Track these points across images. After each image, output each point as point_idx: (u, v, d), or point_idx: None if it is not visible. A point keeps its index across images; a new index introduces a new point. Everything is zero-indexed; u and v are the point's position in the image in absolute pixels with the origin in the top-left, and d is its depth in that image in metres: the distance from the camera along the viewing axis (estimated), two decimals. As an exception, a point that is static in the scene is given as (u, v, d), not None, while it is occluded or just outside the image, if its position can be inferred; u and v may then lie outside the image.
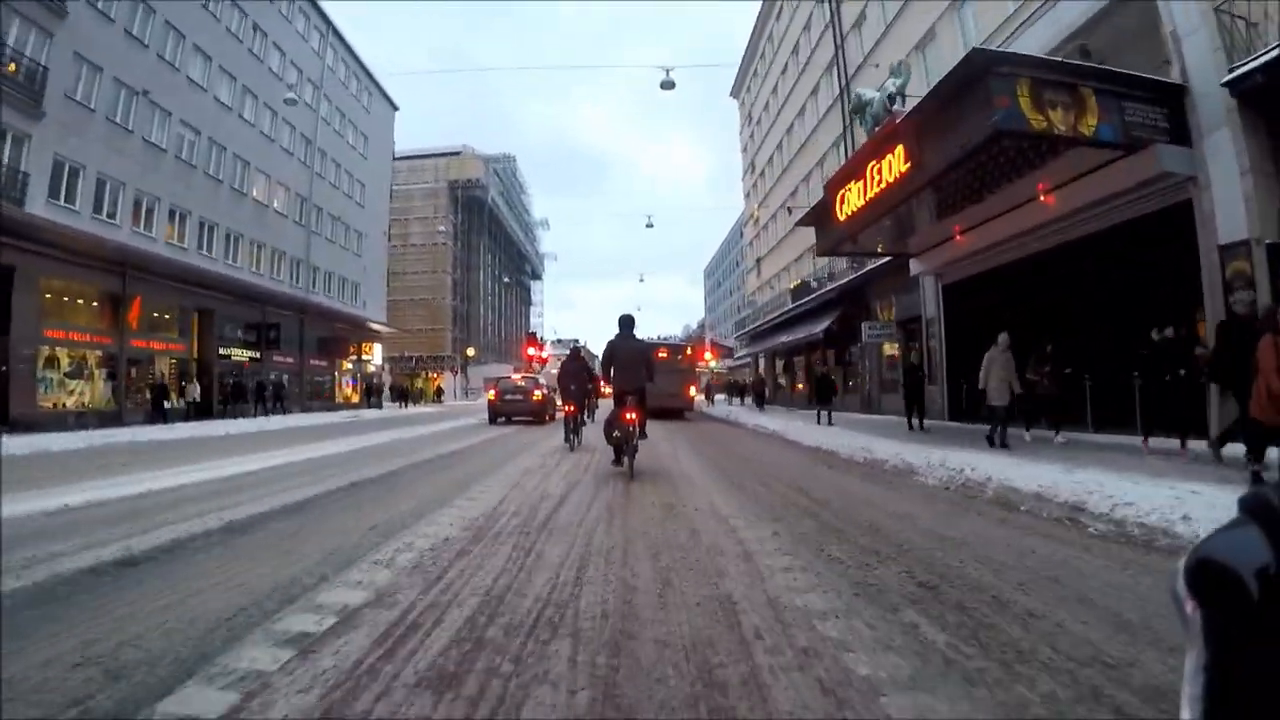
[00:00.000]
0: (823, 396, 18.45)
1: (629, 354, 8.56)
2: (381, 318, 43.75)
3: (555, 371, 26.70)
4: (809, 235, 30.62)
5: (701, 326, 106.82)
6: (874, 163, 12.41)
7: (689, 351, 26.80)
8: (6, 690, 2.24)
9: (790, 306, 29.30)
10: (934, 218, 14.29)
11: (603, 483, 7.92)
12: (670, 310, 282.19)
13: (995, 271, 14.96)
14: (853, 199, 13.35)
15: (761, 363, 39.56)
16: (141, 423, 20.75)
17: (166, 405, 19.83)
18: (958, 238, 14.86)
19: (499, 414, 20.35)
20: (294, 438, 15.48)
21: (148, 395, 23.11)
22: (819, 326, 24.90)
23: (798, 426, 16.30)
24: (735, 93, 46.96)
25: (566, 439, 12.36)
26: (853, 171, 13.61)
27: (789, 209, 23.44)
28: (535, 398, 20.16)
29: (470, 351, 63.50)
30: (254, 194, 31.67)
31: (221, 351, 28.60)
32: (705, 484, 7.83)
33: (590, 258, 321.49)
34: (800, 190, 31.47)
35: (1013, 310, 13.63)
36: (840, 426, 16.16)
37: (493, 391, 20.83)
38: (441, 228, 63.51)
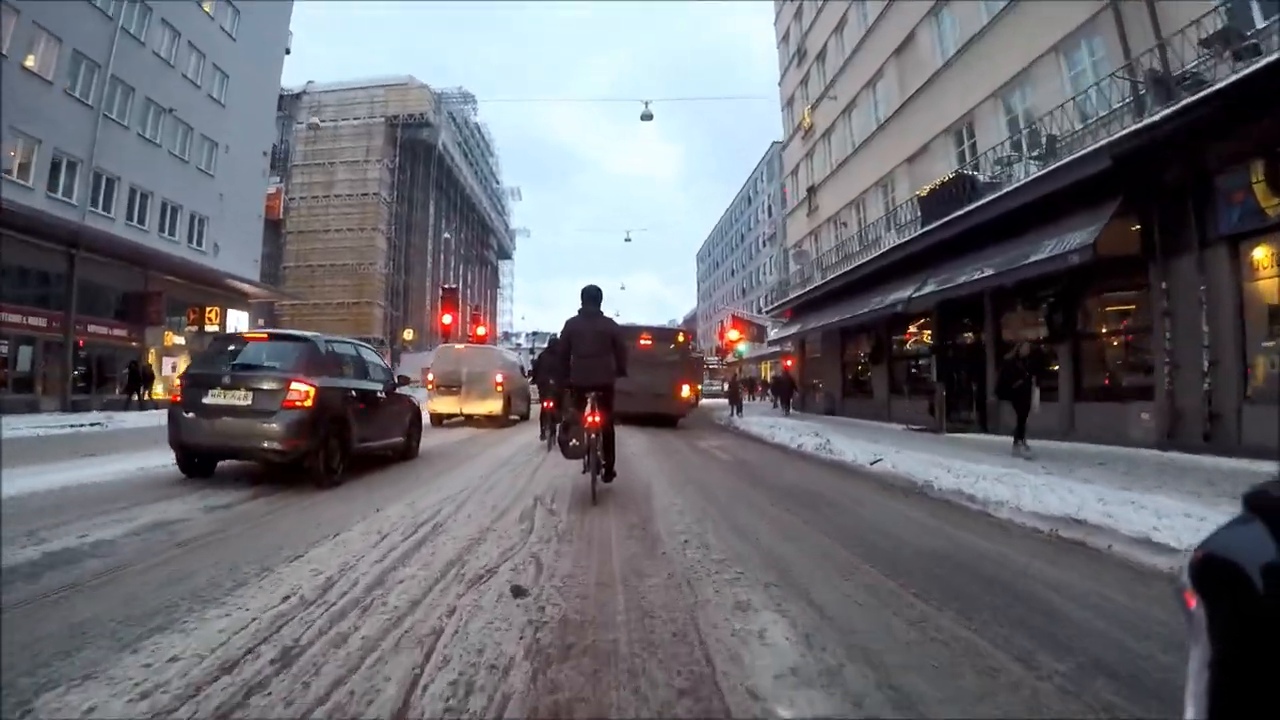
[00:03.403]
0: None
1: (593, 337, 6.20)
2: (249, 273, 29.68)
3: (461, 349, 16.62)
4: (944, 99, 16.88)
5: (691, 317, 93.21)
6: None
7: (680, 338, 19.51)
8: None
9: (922, 232, 15.66)
10: None
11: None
12: (647, 311, 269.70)
13: None
14: None
15: (816, 344, 25.94)
16: None
17: None
18: None
19: (193, 448, 6.45)
20: None
21: None
22: (1038, 250, 11.33)
23: None
24: (767, -26, 33.64)
25: (543, 436, 11.49)
26: None
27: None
28: (295, 400, 6.17)
29: (408, 334, 49.41)
30: (-28, 32, 17.84)
31: None
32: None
33: (564, 257, 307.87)
34: (923, 35, 17.97)
35: None
36: None
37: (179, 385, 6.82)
38: (374, 174, 49.46)
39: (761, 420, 18.15)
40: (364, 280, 48.44)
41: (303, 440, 6.09)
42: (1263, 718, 0.55)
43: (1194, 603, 0.63)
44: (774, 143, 51.91)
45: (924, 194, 15.80)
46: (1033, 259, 11.19)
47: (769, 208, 55.80)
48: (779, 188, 47.32)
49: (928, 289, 14.72)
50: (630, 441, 12.06)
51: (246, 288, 29.18)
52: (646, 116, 21.51)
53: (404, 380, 8.52)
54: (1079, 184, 10.70)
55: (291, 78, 47.09)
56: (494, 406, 15.18)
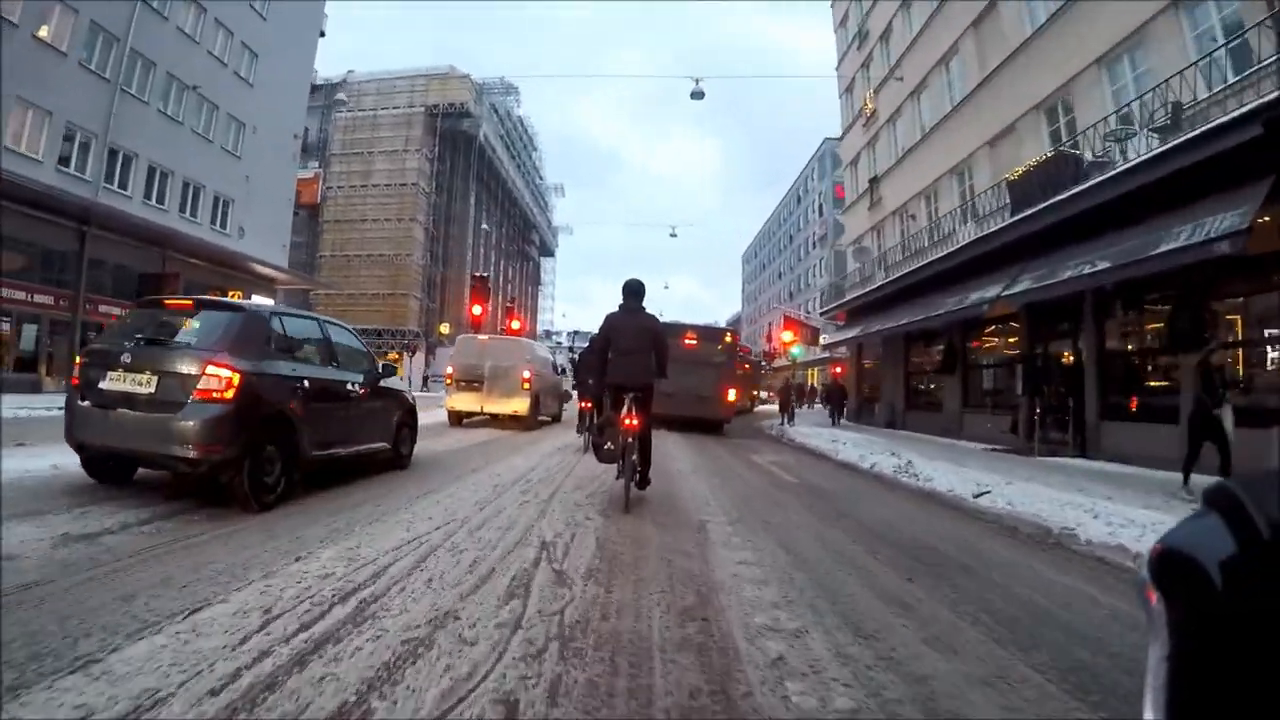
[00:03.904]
0: None
1: (633, 334, 5.78)
2: (277, 259, 28.57)
3: (485, 340, 14.91)
4: (1033, 73, 14.52)
5: (735, 320, 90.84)
6: None
7: (728, 338, 18.41)
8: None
9: (1013, 220, 13.52)
10: None
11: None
12: (686, 313, 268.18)
13: None
14: None
15: (874, 350, 23.77)
16: None
17: None
18: None
19: (88, 448, 4.81)
20: None
21: None
22: (1168, 238, 9.20)
23: None
24: (825, -45, 31.52)
25: (580, 433, 11.05)
26: None
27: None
28: (212, 390, 4.47)
29: (444, 328, 48.23)
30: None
31: None
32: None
33: (603, 256, 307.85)
34: (1007, 3, 15.86)
35: None
36: None
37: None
38: (412, 163, 48.41)
39: (818, 432, 16.18)
40: (400, 271, 47.41)
41: (220, 445, 4.39)
42: (1218, 712, 0.54)
43: (1154, 598, 0.62)
44: (826, 139, 49.66)
45: (1014, 178, 13.68)
46: (1165, 248, 9.07)
47: (820, 206, 53.54)
48: (832, 184, 45.07)
49: (1021, 286, 12.57)
50: (674, 452, 10.29)
51: (273, 273, 28.09)
52: (697, 94, 19.75)
53: (389, 371, 6.77)
54: (1213, 160, 8.62)
55: (329, 69, 46.64)
56: (519, 405, 13.39)
